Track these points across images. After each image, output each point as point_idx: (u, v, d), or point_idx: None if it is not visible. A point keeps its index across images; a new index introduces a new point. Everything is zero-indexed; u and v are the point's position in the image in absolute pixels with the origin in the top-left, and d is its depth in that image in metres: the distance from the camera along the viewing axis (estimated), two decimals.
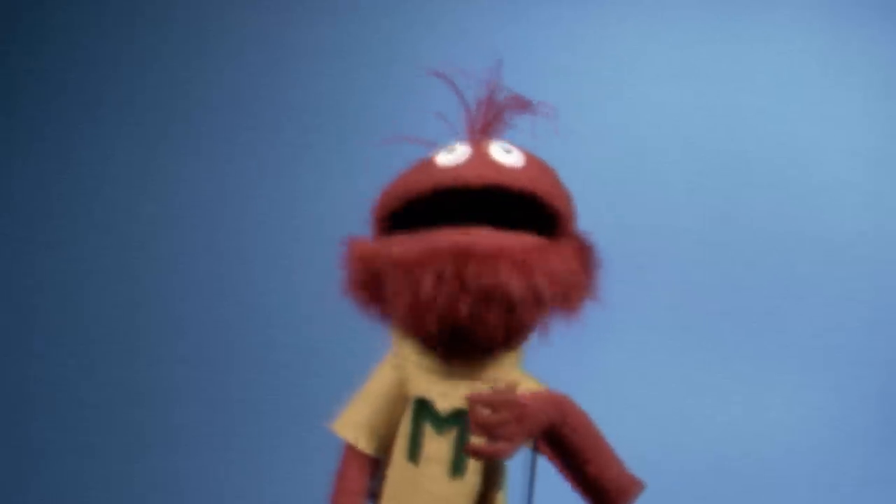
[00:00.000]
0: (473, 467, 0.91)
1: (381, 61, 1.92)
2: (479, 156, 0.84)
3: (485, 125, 0.90)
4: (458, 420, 0.90)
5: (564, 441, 0.89)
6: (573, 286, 0.86)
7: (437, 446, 0.90)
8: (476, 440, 0.85)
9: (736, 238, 1.96)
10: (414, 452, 0.90)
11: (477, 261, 0.80)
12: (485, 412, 0.82)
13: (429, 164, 0.85)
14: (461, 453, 0.90)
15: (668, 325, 1.94)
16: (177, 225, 1.94)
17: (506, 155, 0.85)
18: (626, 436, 1.85)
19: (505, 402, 0.82)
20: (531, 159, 0.86)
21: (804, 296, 1.95)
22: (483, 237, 0.82)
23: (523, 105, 0.92)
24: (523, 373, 0.93)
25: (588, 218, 1.89)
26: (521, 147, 0.87)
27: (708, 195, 1.96)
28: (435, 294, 0.81)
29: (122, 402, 1.90)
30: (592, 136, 1.94)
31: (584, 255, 0.89)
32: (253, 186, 1.94)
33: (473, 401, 0.83)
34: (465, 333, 0.84)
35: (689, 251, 1.96)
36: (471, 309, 0.82)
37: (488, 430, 0.83)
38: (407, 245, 0.83)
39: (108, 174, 1.96)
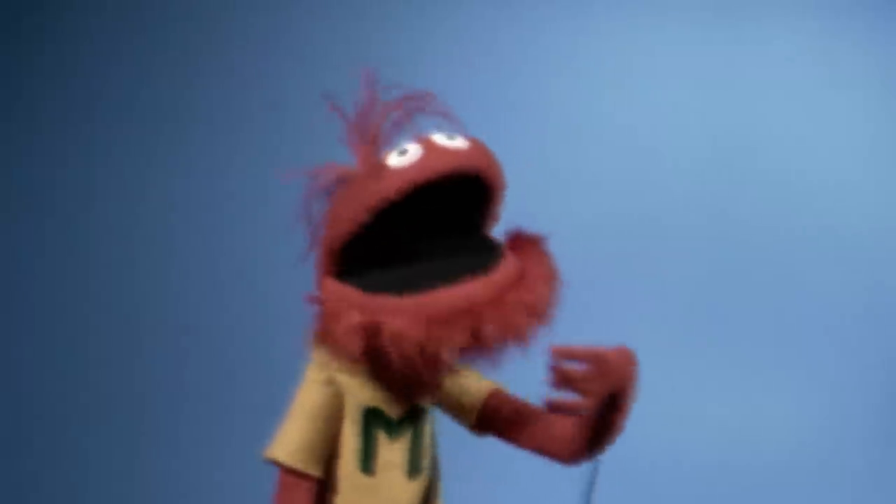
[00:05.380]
0: (426, 464, 0.90)
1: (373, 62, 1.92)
2: (433, 148, 0.83)
3: (375, 128, 0.90)
4: (411, 421, 0.89)
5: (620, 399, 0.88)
6: (557, 297, 0.86)
7: (393, 452, 0.88)
8: (555, 394, 0.84)
9: (737, 238, 1.96)
10: (368, 464, 0.88)
11: (489, 320, 0.80)
12: (570, 365, 0.82)
13: (383, 167, 0.83)
14: (417, 453, 0.89)
15: (669, 324, 1.94)
16: (172, 225, 1.94)
17: (452, 141, 0.84)
18: (624, 437, 1.87)
19: (591, 356, 0.82)
20: (471, 139, 0.86)
21: (805, 294, 1.95)
22: (479, 288, 0.81)
23: (414, 104, 0.91)
24: None
25: (590, 217, 1.93)
26: (452, 130, 0.87)
27: (707, 195, 1.96)
28: (429, 356, 0.80)
29: (114, 402, 1.91)
30: (596, 136, 1.97)
31: (551, 259, 0.88)
32: (251, 187, 1.94)
33: (558, 354, 0.83)
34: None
35: (690, 251, 1.96)
36: (485, 359, 0.82)
37: (572, 384, 0.82)
38: (405, 316, 0.81)
39: (103, 175, 1.96)
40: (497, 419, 0.93)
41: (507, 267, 0.83)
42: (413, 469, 0.89)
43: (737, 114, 1.97)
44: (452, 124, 0.87)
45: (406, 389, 0.88)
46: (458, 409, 0.94)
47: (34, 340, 1.94)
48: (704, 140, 1.97)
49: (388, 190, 0.81)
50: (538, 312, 0.82)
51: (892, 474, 1.88)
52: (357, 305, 0.83)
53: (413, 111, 0.89)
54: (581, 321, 1.83)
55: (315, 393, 0.88)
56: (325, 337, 0.85)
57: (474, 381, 0.94)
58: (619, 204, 1.93)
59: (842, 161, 1.96)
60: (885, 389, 1.93)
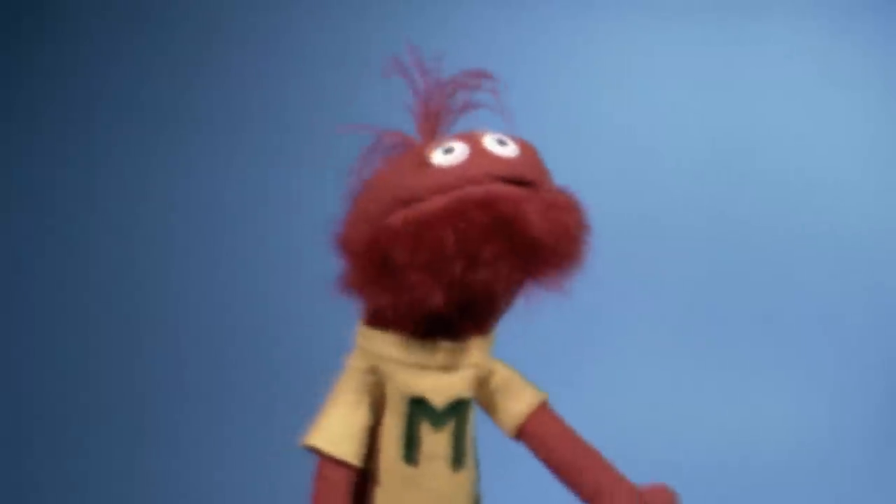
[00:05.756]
0: (470, 456, 0.89)
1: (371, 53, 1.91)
2: (480, 152, 0.80)
3: (435, 113, 0.87)
4: (455, 411, 0.87)
5: None
6: (583, 221, 0.83)
7: (437, 442, 0.86)
8: None
9: (736, 238, 1.95)
10: (411, 454, 0.86)
11: (502, 204, 0.76)
12: None
13: (428, 163, 0.80)
14: (461, 445, 0.87)
15: (668, 325, 1.93)
16: (173, 225, 1.94)
17: (502, 147, 0.81)
18: (624, 438, 1.86)
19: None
20: (523, 146, 0.83)
21: (807, 295, 1.94)
22: (493, 186, 0.78)
23: (472, 83, 0.88)
24: (495, 360, 0.91)
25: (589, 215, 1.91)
26: (509, 134, 0.84)
27: (708, 194, 1.95)
28: (460, 248, 0.76)
29: (114, 402, 1.90)
30: (593, 134, 1.95)
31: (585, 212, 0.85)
32: (247, 184, 1.94)
33: None
34: (476, 295, 0.81)
35: (690, 251, 1.94)
36: (496, 258, 0.77)
37: None
38: (413, 213, 0.78)
39: (104, 175, 1.96)
40: (540, 445, 0.91)
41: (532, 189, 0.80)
42: (457, 461, 0.87)
43: (736, 113, 1.96)
44: (503, 116, 0.86)
45: (436, 324, 0.84)
46: (497, 413, 0.91)
47: (34, 340, 1.94)
48: (703, 140, 1.96)
49: (424, 190, 0.79)
50: (555, 211, 0.78)
51: (893, 474, 1.87)
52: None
53: (474, 90, 0.87)
54: (580, 322, 1.84)
55: (355, 381, 0.87)
56: (347, 268, 0.83)
57: (521, 386, 0.91)
58: (617, 204, 1.91)
59: (842, 161, 1.96)
60: (886, 390, 1.92)
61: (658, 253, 1.94)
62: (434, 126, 0.87)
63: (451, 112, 0.87)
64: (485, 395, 0.91)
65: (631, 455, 1.85)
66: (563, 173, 1.90)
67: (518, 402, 0.90)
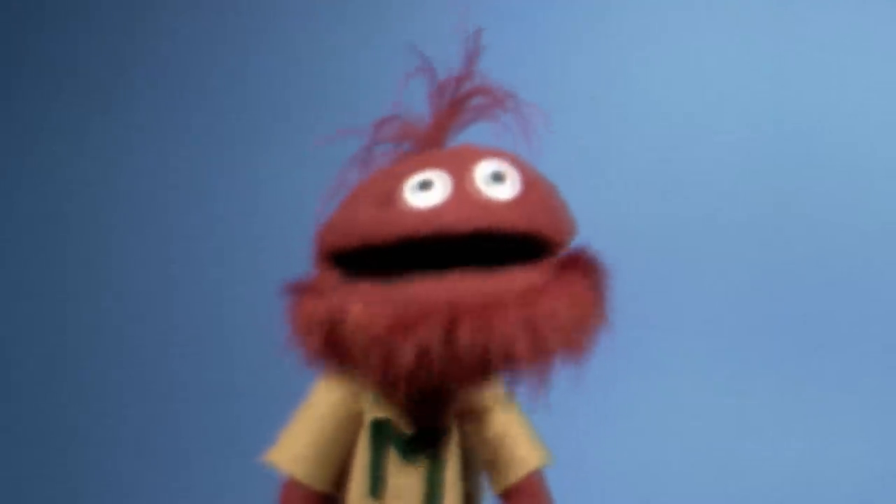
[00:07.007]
0: (452, 500, 0.80)
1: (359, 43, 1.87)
2: (463, 192, 0.70)
3: (444, 120, 0.80)
4: (428, 445, 0.79)
5: None
6: (586, 329, 0.73)
7: (406, 478, 0.78)
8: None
9: (796, 235, 1.74)
10: (376, 487, 0.78)
11: (469, 321, 0.68)
12: None
13: (396, 199, 0.71)
14: (436, 488, 0.79)
15: (715, 342, 1.76)
16: (171, 226, 1.93)
17: (496, 185, 0.71)
18: (662, 479, 1.75)
19: None
20: (528, 183, 0.72)
21: (881, 305, 1.73)
22: (470, 286, 0.69)
23: (496, 99, 0.80)
24: (495, 396, 0.84)
25: (616, 211, 1.80)
26: (516, 162, 0.74)
27: (761, 181, 1.75)
28: (418, 366, 0.69)
29: (114, 403, 1.91)
30: (622, 109, 1.80)
31: (596, 283, 0.75)
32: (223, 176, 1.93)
33: None
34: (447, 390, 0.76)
35: (738, 251, 1.76)
36: (462, 375, 0.71)
37: None
38: (374, 304, 0.70)
39: (103, 175, 1.96)
40: None
41: (518, 275, 0.70)
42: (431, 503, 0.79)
43: (800, 82, 1.74)
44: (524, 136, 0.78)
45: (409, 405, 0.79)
46: (487, 467, 0.84)
47: (34, 340, 1.95)
48: (757, 116, 1.75)
49: (388, 232, 0.70)
50: (540, 332, 0.69)
51: None
52: (321, 288, 0.73)
53: (497, 106, 0.81)
54: (615, 341, 1.72)
55: (329, 389, 0.81)
56: (288, 325, 0.76)
57: (522, 445, 0.83)
58: (650, 194, 1.76)
59: None
60: None
61: (700, 254, 1.77)
62: (443, 125, 0.81)
63: (465, 114, 0.81)
64: (478, 439, 0.82)
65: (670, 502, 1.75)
66: (589, 163, 1.79)
67: (507, 468, 0.83)
